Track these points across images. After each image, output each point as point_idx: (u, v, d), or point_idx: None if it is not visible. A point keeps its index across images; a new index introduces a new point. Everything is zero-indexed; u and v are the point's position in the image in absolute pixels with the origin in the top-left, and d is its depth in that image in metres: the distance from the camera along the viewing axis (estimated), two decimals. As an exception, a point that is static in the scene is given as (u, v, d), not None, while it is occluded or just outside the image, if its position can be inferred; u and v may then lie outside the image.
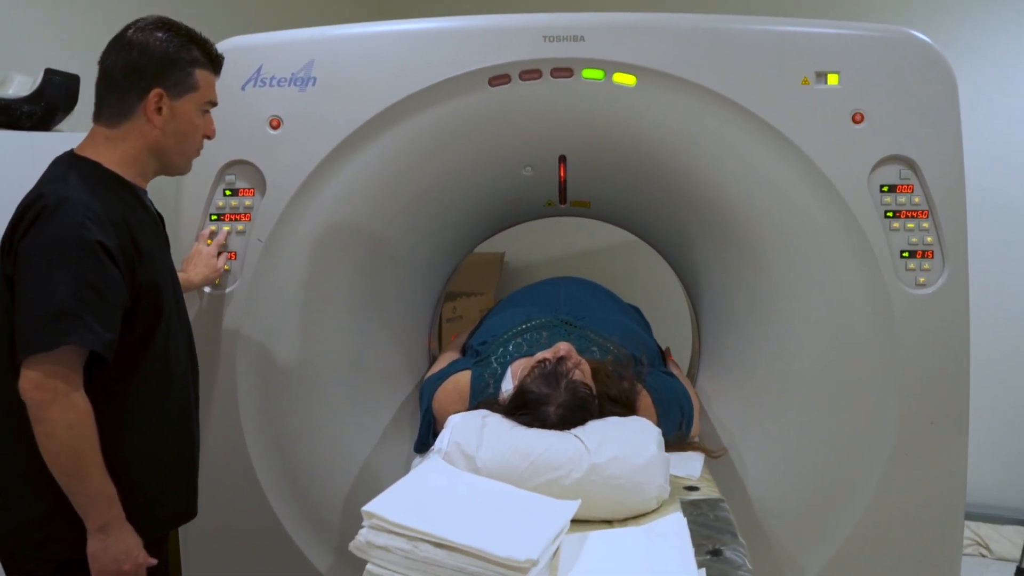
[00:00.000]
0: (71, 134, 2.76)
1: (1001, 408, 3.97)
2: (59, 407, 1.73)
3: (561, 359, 2.25)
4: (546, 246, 4.60)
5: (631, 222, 3.03)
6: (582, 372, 2.25)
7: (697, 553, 1.77)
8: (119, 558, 1.83)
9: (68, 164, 1.89)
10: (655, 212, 2.85)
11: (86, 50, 3.15)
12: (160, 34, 1.90)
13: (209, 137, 2.03)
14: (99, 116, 1.92)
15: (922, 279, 2.55)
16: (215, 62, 1.99)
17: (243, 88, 2.58)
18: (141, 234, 1.91)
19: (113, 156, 1.90)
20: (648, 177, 2.69)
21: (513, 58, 2.53)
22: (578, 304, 2.72)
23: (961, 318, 2.57)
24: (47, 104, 2.70)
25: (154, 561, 1.91)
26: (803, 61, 2.53)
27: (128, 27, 1.92)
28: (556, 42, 2.53)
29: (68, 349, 1.73)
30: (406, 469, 2.46)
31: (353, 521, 1.76)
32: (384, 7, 4.77)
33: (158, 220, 2.06)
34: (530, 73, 2.55)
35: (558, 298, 2.74)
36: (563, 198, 2.88)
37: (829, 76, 2.53)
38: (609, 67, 2.53)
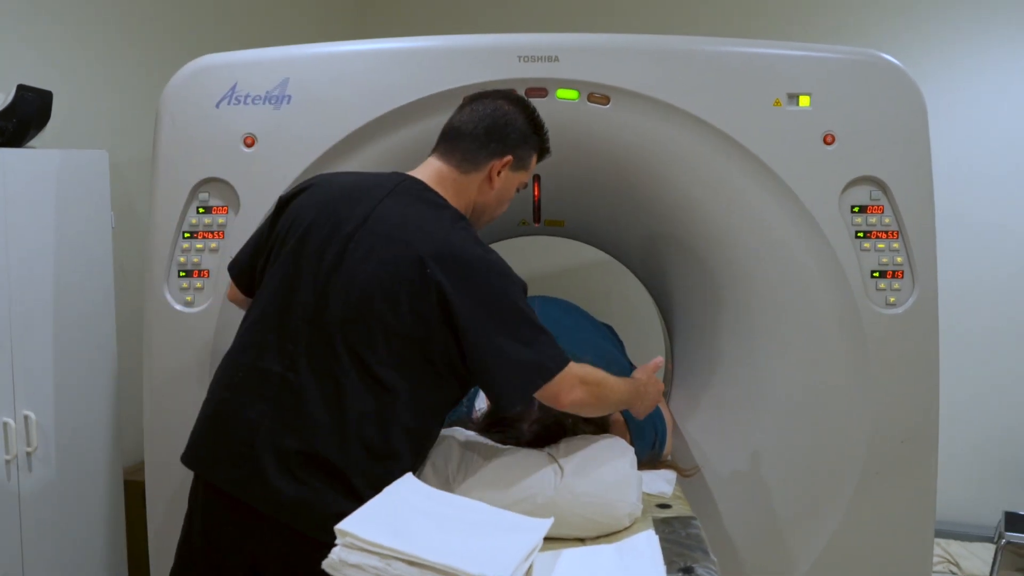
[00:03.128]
0: (44, 150, 2.76)
1: (971, 426, 4.00)
2: (592, 393, 1.98)
3: (535, 377, 2.25)
4: (521, 265, 4.53)
5: (605, 241, 3.04)
6: (555, 390, 2.25)
7: (669, 570, 1.78)
8: (653, 388, 2.21)
9: (441, 204, 2.01)
10: (628, 231, 2.86)
11: (59, 66, 3.16)
12: (525, 112, 2.12)
13: (501, 212, 2.20)
14: (450, 157, 2.08)
15: (892, 299, 2.57)
16: (545, 153, 2.20)
17: (217, 106, 2.57)
18: None
19: (456, 202, 2.05)
20: (622, 197, 2.71)
21: (488, 78, 2.54)
22: (551, 324, 2.70)
23: (931, 337, 2.59)
24: (19, 120, 2.68)
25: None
26: (775, 83, 2.55)
27: (500, 93, 2.15)
28: (531, 62, 2.55)
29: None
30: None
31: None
32: (361, 26, 4.78)
33: None
34: (505, 93, 2.56)
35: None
36: (537, 217, 2.89)
37: (801, 98, 2.55)
38: (583, 87, 2.55)
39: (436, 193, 2.02)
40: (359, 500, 1.81)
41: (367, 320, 1.88)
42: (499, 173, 2.06)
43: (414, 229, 1.92)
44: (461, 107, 2.13)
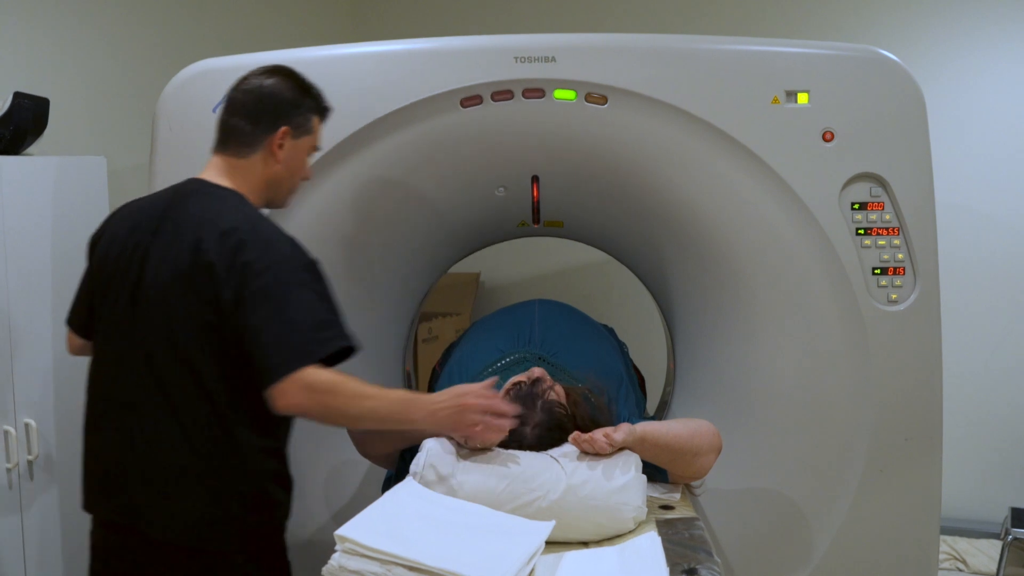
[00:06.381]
0: (41, 157, 2.75)
1: (974, 422, 3.99)
2: (317, 402, 1.85)
3: (536, 380, 2.24)
4: (521, 266, 4.60)
5: (604, 241, 3.03)
6: (557, 393, 2.24)
7: (672, 572, 1.77)
8: (453, 404, 1.98)
9: (221, 193, 2.01)
10: (628, 231, 2.86)
11: (55, 73, 3.16)
12: (287, 80, 2.09)
13: (306, 178, 2.18)
14: (226, 147, 2.07)
15: (894, 295, 2.56)
16: (324, 112, 2.17)
17: (214, 110, 2.54)
18: None
19: (245, 187, 2.05)
20: (620, 196, 2.70)
21: (485, 79, 2.53)
22: (552, 333, 2.68)
23: (933, 333, 2.58)
24: (16, 128, 2.68)
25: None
26: (773, 80, 2.54)
27: (258, 71, 2.10)
28: (527, 63, 2.54)
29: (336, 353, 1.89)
30: (380, 493, 2.44)
31: (325, 546, 1.74)
32: (358, 29, 4.78)
33: None
34: (502, 94, 2.55)
35: (532, 326, 2.71)
36: (536, 218, 2.88)
37: (799, 95, 2.55)
38: (580, 87, 2.54)
39: (216, 185, 2.03)
40: (220, 503, 1.90)
41: (170, 323, 1.91)
42: (280, 146, 2.06)
43: (193, 223, 1.94)
44: (225, 100, 2.11)
